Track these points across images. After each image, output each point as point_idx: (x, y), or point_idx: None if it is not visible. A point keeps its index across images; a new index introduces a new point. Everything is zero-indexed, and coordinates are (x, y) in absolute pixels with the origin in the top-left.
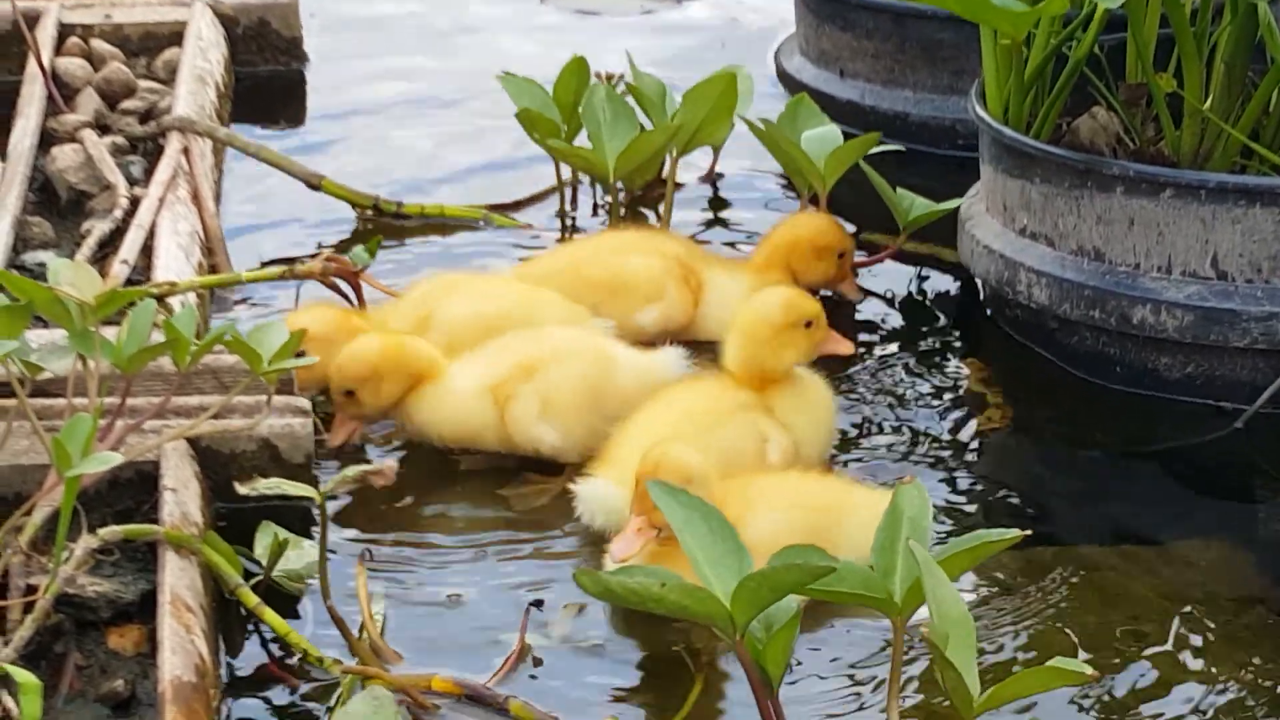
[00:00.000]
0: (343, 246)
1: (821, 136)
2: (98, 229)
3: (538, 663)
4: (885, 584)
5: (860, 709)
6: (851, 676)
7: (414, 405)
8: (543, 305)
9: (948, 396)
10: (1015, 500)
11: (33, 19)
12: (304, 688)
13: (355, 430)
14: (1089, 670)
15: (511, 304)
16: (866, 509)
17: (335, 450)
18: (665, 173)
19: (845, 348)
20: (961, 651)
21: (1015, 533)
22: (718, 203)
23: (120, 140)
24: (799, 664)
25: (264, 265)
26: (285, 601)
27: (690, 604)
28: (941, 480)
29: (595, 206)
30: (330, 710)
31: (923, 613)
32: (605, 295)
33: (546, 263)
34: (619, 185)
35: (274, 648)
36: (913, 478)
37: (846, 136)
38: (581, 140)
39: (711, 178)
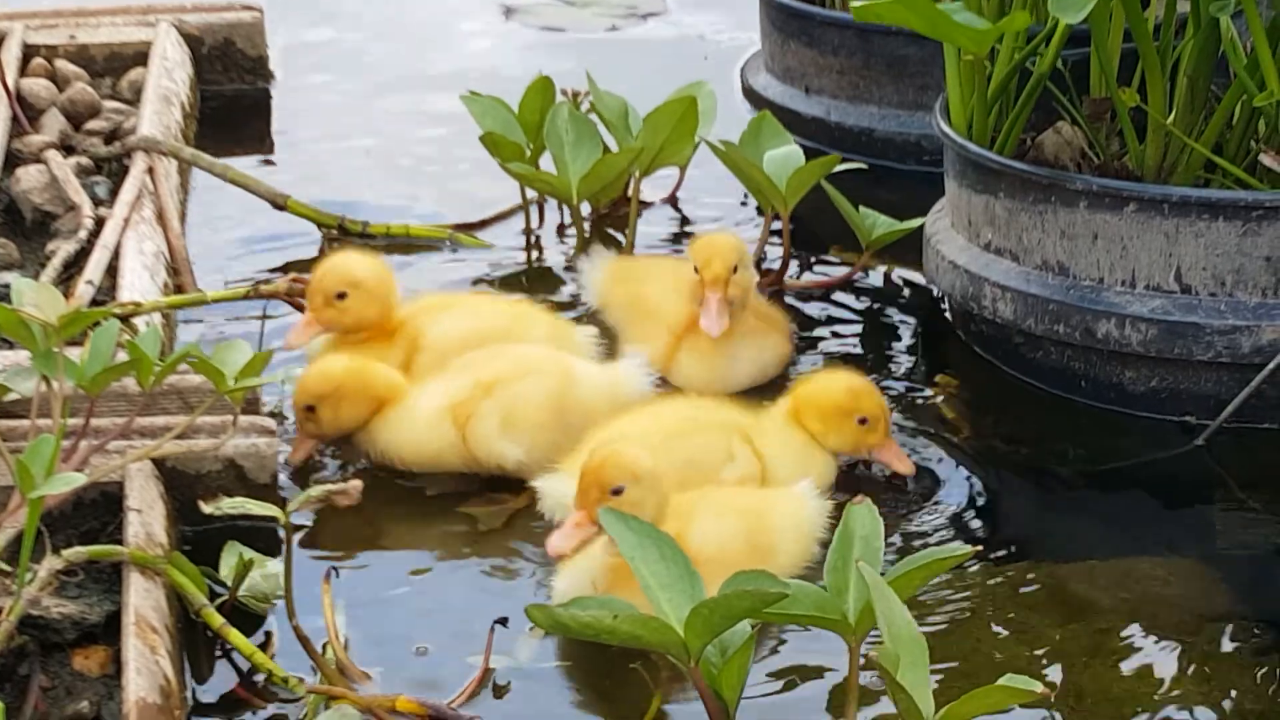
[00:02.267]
0: (308, 266)
1: (784, 157)
2: (63, 250)
3: (501, 689)
4: (839, 604)
5: None
6: (809, 695)
7: (375, 430)
8: (529, 323)
9: (912, 412)
10: (979, 516)
11: None
12: (270, 708)
13: (314, 449)
14: (1039, 687)
15: (498, 322)
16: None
17: (296, 469)
18: (630, 191)
19: (903, 466)
20: (914, 672)
21: (965, 549)
22: (683, 221)
23: (85, 161)
24: (757, 682)
25: (229, 285)
26: (251, 622)
27: (644, 634)
28: (904, 496)
29: (561, 226)
30: None
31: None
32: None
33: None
34: (584, 205)
35: (240, 668)
36: (864, 497)
37: (812, 152)
38: (546, 160)
39: (673, 198)
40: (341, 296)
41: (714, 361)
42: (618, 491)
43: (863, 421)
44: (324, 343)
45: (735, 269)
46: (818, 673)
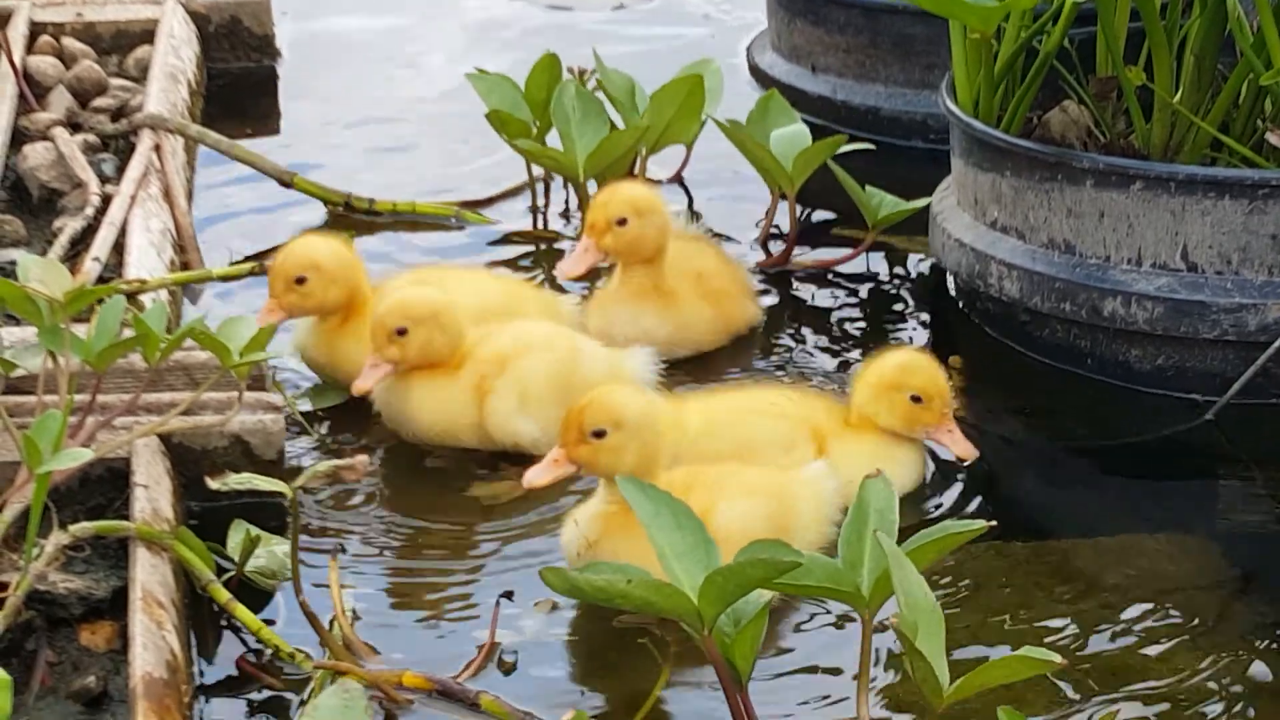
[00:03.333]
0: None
1: (790, 136)
2: (69, 227)
3: (507, 664)
4: (853, 577)
5: (830, 700)
6: (821, 667)
7: (400, 397)
8: (523, 298)
9: None
10: (987, 492)
11: (4, 17)
12: (276, 683)
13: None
14: (1057, 659)
15: (493, 296)
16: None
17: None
18: (637, 168)
19: (963, 449)
20: (931, 641)
21: (981, 524)
22: (689, 199)
23: (92, 138)
24: (769, 655)
25: (236, 262)
26: (258, 598)
27: (657, 600)
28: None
29: (567, 204)
30: (302, 705)
31: (892, 604)
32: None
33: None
34: (591, 183)
35: (247, 644)
36: (879, 470)
37: (819, 131)
38: (553, 137)
39: (679, 176)
40: (301, 281)
41: (608, 311)
42: (599, 434)
43: (916, 400)
44: (307, 326)
45: (623, 221)
46: (830, 643)
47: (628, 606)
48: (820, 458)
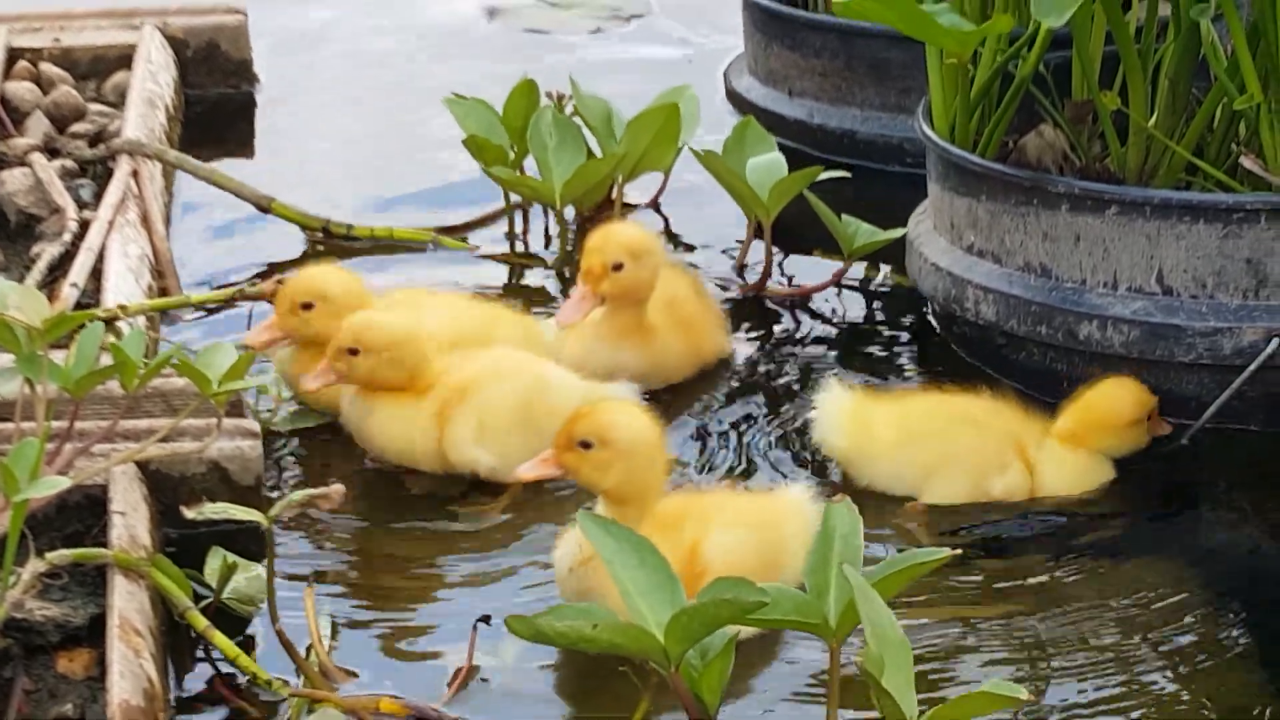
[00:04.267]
0: (293, 269)
1: (766, 165)
2: (47, 252)
3: (485, 689)
4: (819, 607)
5: None
6: (792, 696)
7: (361, 414)
8: (500, 323)
9: None
10: (962, 517)
11: None
12: (253, 711)
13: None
14: (1024, 694)
15: (471, 321)
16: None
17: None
18: (614, 195)
19: (1166, 427)
20: (898, 674)
21: (946, 552)
22: (667, 225)
23: (70, 164)
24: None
25: (214, 288)
26: (236, 625)
27: (623, 641)
28: (888, 497)
29: (546, 229)
30: None
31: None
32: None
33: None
34: (569, 209)
35: (224, 671)
36: (844, 495)
37: (795, 154)
38: (530, 163)
39: (656, 202)
40: (307, 307)
41: (588, 344)
42: (585, 445)
43: (1150, 417)
44: (290, 351)
45: (620, 266)
46: (801, 673)
47: (594, 650)
48: (1024, 469)
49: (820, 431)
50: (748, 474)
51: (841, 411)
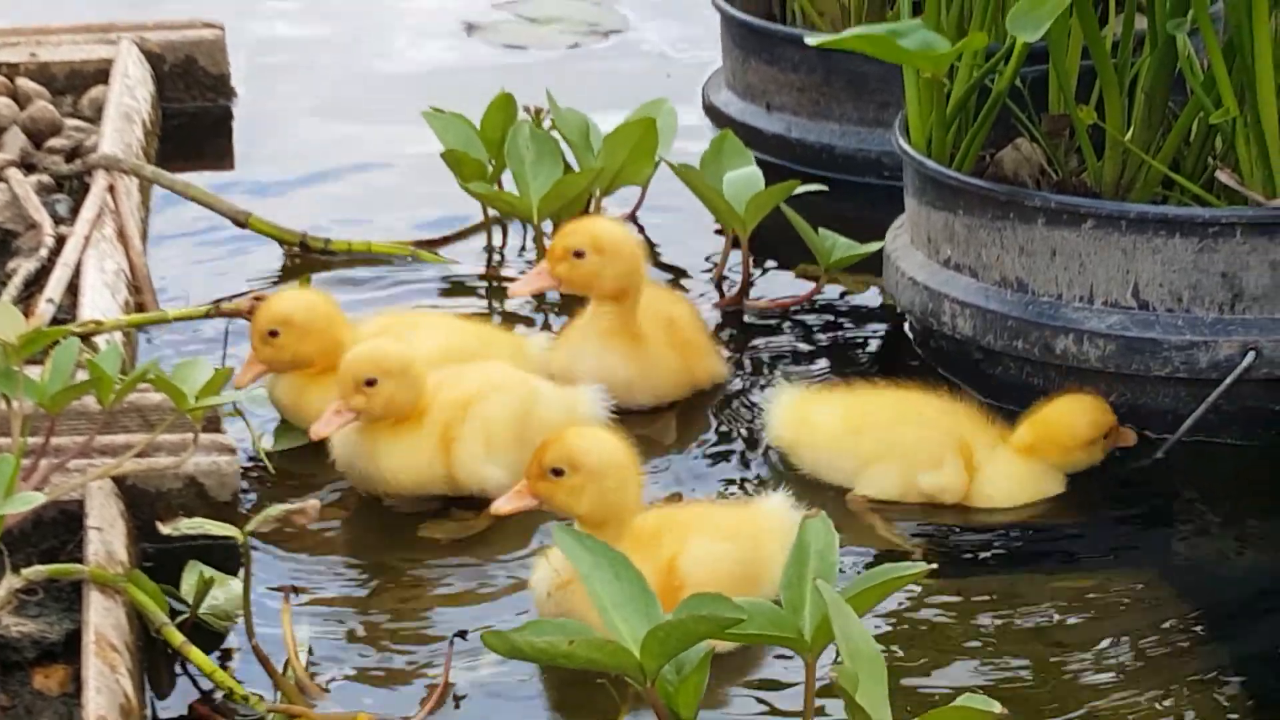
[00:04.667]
0: (270, 284)
1: (744, 179)
2: (23, 268)
3: (461, 704)
4: (795, 621)
5: None
6: (769, 711)
7: (369, 454)
8: (492, 341)
9: None
10: (938, 531)
11: None
12: None
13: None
14: (997, 708)
15: (463, 340)
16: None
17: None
18: (592, 209)
19: (1131, 439)
20: (873, 690)
21: (922, 566)
22: (645, 239)
23: (46, 179)
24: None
25: (191, 304)
26: (213, 640)
27: (600, 657)
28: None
29: (524, 244)
30: None
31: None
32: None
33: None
34: (546, 223)
35: (201, 686)
36: (818, 510)
37: (773, 168)
38: (508, 177)
39: (634, 216)
40: (274, 334)
41: (574, 347)
42: (557, 473)
43: (1106, 435)
44: (275, 378)
45: (581, 254)
46: (777, 686)
47: (571, 665)
48: (969, 471)
49: (767, 423)
50: (724, 486)
51: (786, 404)
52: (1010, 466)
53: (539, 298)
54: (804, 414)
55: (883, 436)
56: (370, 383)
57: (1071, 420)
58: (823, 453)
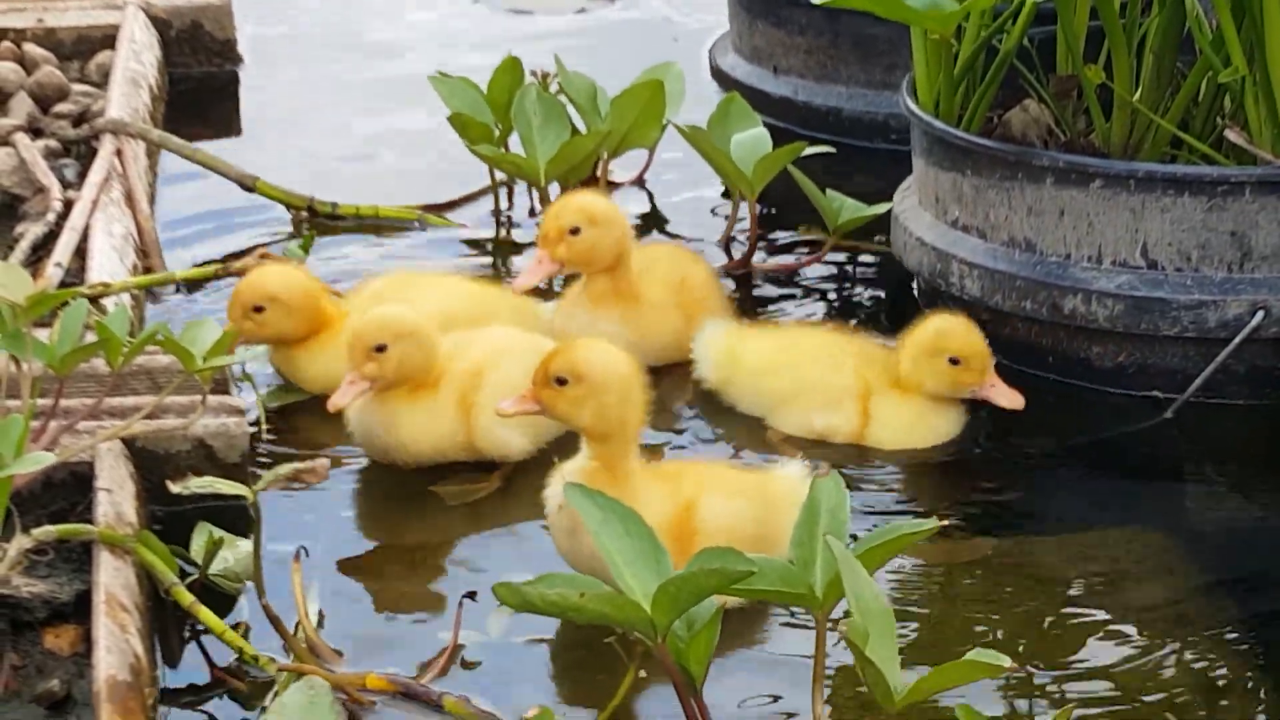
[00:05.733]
0: (277, 246)
1: (751, 141)
2: (31, 232)
3: (471, 664)
4: (805, 578)
5: (786, 701)
6: (778, 668)
7: (386, 424)
8: (496, 302)
9: None
10: (949, 491)
11: None
12: (240, 686)
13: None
14: (1007, 662)
15: (467, 301)
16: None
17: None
18: (599, 172)
19: (1007, 400)
20: (883, 645)
21: (933, 524)
22: (652, 202)
23: (54, 143)
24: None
25: (198, 265)
26: (223, 600)
27: (610, 611)
28: (872, 472)
29: (531, 207)
30: (265, 708)
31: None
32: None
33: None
34: (553, 186)
35: (211, 647)
36: (829, 469)
37: (780, 132)
38: (515, 141)
39: (641, 179)
40: (259, 310)
41: (570, 314)
42: (561, 381)
43: (954, 362)
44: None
45: (576, 230)
46: (787, 644)
47: (582, 620)
48: (863, 414)
49: (698, 364)
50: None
51: (714, 343)
52: (898, 409)
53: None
54: (731, 351)
55: (791, 375)
56: (380, 348)
57: (922, 330)
58: (744, 389)
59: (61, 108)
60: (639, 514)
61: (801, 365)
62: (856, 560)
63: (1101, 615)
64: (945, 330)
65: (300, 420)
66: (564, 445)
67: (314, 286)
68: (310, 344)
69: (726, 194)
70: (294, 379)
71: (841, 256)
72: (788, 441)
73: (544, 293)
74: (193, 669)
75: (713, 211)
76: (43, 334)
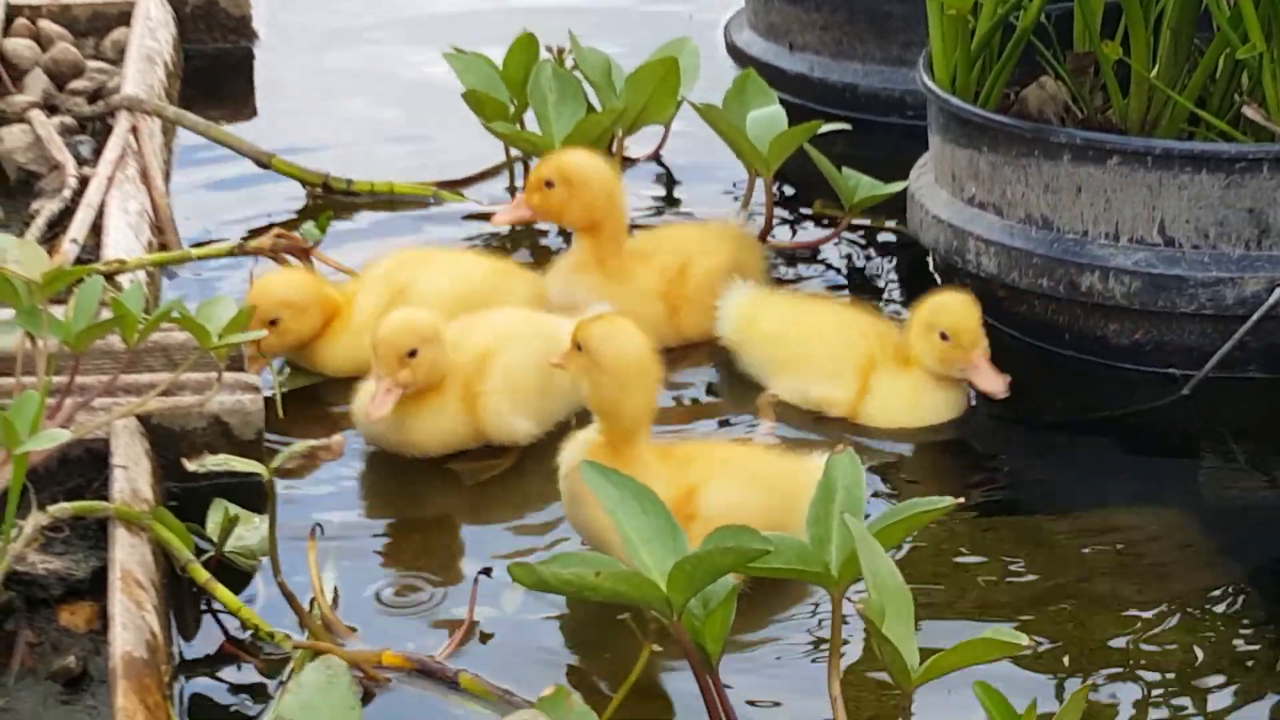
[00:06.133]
0: (293, 224)
1: (767, 118)
2: (47, 209)
3: (487, 641)
4: (820, 556)
5: (803, 679)
6: (794, 646)
7: (398, 424)
8: (510, 279)
9: None
10: (966, 469)
11: None
12: (256, 663)
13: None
14: (1024, 640)
15: (481, 278)
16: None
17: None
18: (614, 149)
19: (988, 384)
20: (899, 622)
21: (948, 501)
22: (668, 179)
23: (69, 120)
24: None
25: (213, 242)
26: (238, 578)
27: (626, 590)
28: (889, 449)
29: None
30: (282, 685)
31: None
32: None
33: None
34: None
35: (227, 624)
36: (845, 446)
37: (796, 108)
38: (530, 117)
39: (657, 155)
40: (273, 322)
41: (553, 276)
42: (549, 185)
43: (944, 337)
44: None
45: (550, 184)
46: (803, 623)
47: (597, 598)
48: (861, 390)
49: (720, 322)
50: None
51: (736, 305)
52: (895, 387)
53: (566, 236)
54: (749, 314)
55: (798, 344)
56: (412, 354)
57: (923, 303)
58: (755, 353)
59: (77, 84)
60: (653, 492)
61: (809, 335)
62: (873, 538)
63: (1118, 592)
64: (941, 305)
65: (315, 399)
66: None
67: (316, 281)
68: (324, 333)
69: (743, 171)
70: (310, 366)
71: (858, 234)
72: (772, 407)
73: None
74: (208, 645)
75: (732, 187)
76: (58, 311)
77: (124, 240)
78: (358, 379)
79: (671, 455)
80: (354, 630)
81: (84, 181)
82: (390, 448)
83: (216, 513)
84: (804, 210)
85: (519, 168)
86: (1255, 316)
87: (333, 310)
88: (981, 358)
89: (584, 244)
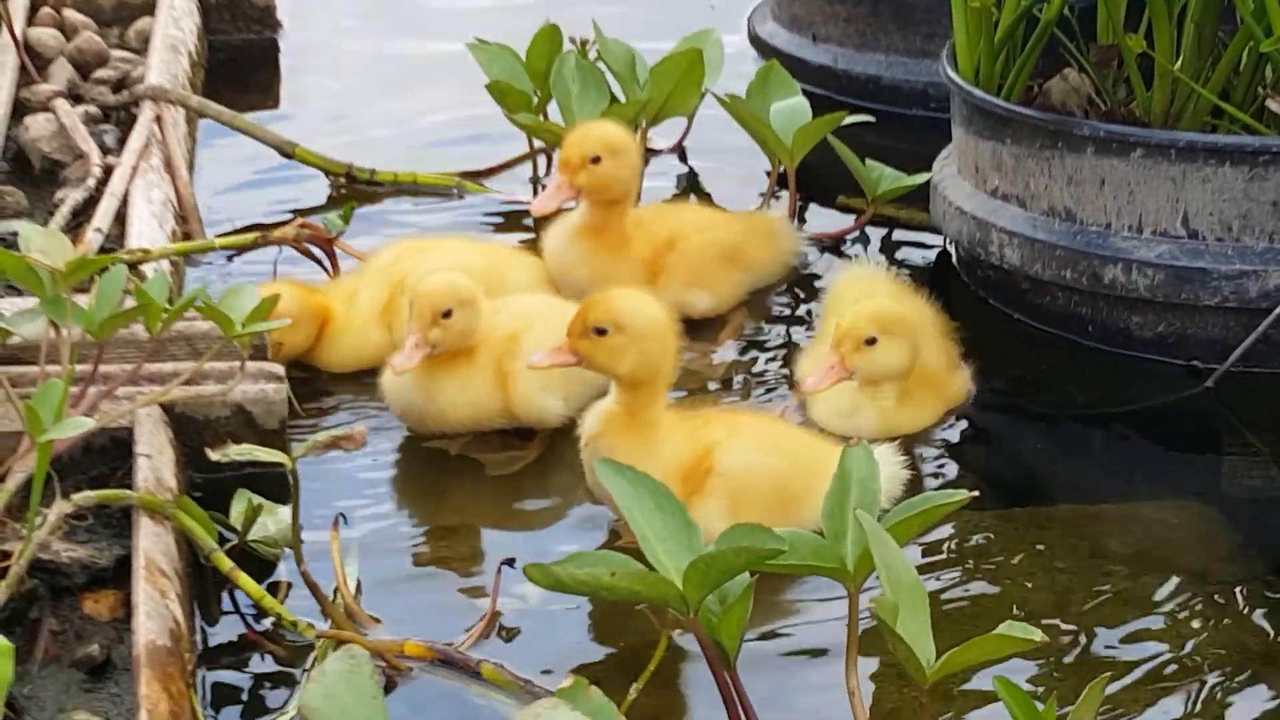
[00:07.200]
0: (316, 213)
1: (790, 110)
2: (71, 198)
3: (508, 632)
4: (836, 550)
5: (820, 674)
6: (811, 641)
7: (426, 394)
8: (512, 265)
9: None
10: (987, 461)
11: None
12: (279, 652)
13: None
14: (1038, 635)
15: (482, 265)
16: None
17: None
18: (637, 140)
19: (810, 384)
20: (914, 619)
21: (963, 494)
22: (690, 171)
23: (93, 109)
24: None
25: (238, 231)
26: (261, 567)
27: (642, 589)
28: (913, 442)
29: None
30: (305, 674)
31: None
32: None
33: None
34: None
35: (249, 613)
36: (860, 439)
37: (819, 100)
38: (554, 108)
39: (680, 147)
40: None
41: (547, 237)
42: (600, 331)
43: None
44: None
45: (598, 159)
46: (820, 617)
47: (613, 597)
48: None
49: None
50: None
51: (852, 278)
52: (843, 393)
53: None
54: (853, 295)
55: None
56: (446, 314)
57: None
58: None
59: (101, 74)
60: (669, 489)
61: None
62: (887, 534)
63: (1140, 583)
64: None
65: (337, 390)
66: None
67: (301, 292)
68: (324, 335)
69: (767, 163)
70: (315, 364)
71: (881, 226)
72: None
73: None
74: (231, 633)
75: (750, 181)
76: (82, 299)
77: (148, 229)
78: (363, 374)
79: (690, 419)
80: (376, 619)
81: (108, 171)
82: (417, 422)
83: (240, 502)
84: (827, 201)
85: (541, 159)
86: (1278, 310)
87: (323, 315)
88: (832, 359)
89: (594, 211)
